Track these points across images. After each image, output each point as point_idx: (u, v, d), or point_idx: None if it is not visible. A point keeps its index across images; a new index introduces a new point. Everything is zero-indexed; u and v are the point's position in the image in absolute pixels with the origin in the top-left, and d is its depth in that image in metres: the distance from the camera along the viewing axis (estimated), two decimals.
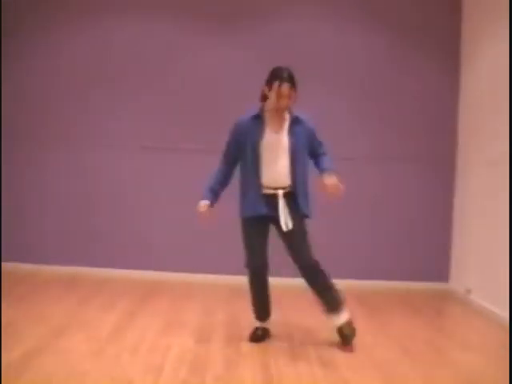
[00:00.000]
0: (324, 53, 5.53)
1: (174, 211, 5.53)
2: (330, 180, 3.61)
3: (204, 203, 3.71)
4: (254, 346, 3.64)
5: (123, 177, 5.57)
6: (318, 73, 5.42)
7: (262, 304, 3.92)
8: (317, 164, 3.80)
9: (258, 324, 3.93)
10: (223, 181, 3.79)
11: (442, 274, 5.59)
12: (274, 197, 3.65)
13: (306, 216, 3.75)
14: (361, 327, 4.06)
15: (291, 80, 3.57)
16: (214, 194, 3.77)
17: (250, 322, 4.11)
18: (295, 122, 3.68)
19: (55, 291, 4.85)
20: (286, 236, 3.68)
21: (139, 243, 5.57)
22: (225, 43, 5.54)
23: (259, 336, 3.85)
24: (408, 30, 5.56)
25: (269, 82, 3.62)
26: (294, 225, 3.63)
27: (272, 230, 3.76)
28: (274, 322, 4.14)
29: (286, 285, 4.75)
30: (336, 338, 3.80)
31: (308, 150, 3.75)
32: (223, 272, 5.43)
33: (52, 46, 5.55)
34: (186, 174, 5.52)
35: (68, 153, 5.55)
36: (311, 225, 3.81)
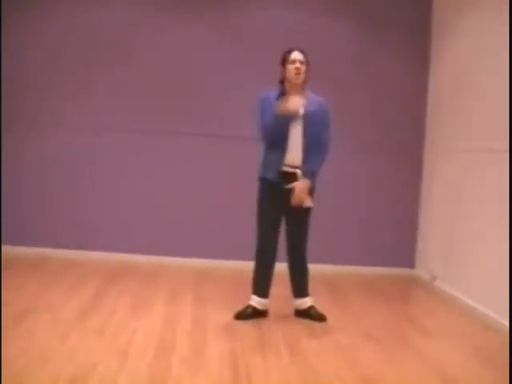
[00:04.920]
0: (293, 42, 5.47)
1: (144, 193, 5.49)
2: (299, 186, 3.78)
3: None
4: (222, 331, 3.64)
5: (93, 158, 5.46)
6: None
7: (264, 277, 3.96)
8: (305, 160, 3.84)
9: (252, 301, 3.95)
10: None
11: (409, 261, 5.67)
12: (291, 175, 3.81)
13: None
14: (326, 312, 4.09)
15: (301, 50, 3.83)
16: None
17: (217, 305, 4.13)
18: (311, 102, 3.85)
19: (19, 273, 4.75)
20: (295, 215, 3.90)
21: (107, 225, 5.49)
22: (195, 23, 5.47)
23: (248, 313, 3.89)
24: (378, 22, 5.56)
25: (282, 61, 3.84)
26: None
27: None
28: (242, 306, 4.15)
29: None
30: (302, 323, 3.88)
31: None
32: (191, 255, 5.42)
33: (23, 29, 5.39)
34: (157, 156, 5.49)
35: (32, 134, 5.43)
36: None
